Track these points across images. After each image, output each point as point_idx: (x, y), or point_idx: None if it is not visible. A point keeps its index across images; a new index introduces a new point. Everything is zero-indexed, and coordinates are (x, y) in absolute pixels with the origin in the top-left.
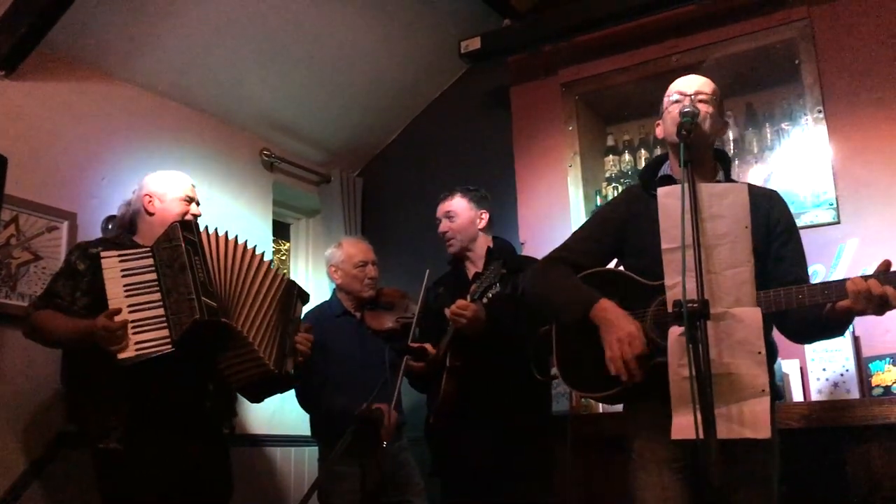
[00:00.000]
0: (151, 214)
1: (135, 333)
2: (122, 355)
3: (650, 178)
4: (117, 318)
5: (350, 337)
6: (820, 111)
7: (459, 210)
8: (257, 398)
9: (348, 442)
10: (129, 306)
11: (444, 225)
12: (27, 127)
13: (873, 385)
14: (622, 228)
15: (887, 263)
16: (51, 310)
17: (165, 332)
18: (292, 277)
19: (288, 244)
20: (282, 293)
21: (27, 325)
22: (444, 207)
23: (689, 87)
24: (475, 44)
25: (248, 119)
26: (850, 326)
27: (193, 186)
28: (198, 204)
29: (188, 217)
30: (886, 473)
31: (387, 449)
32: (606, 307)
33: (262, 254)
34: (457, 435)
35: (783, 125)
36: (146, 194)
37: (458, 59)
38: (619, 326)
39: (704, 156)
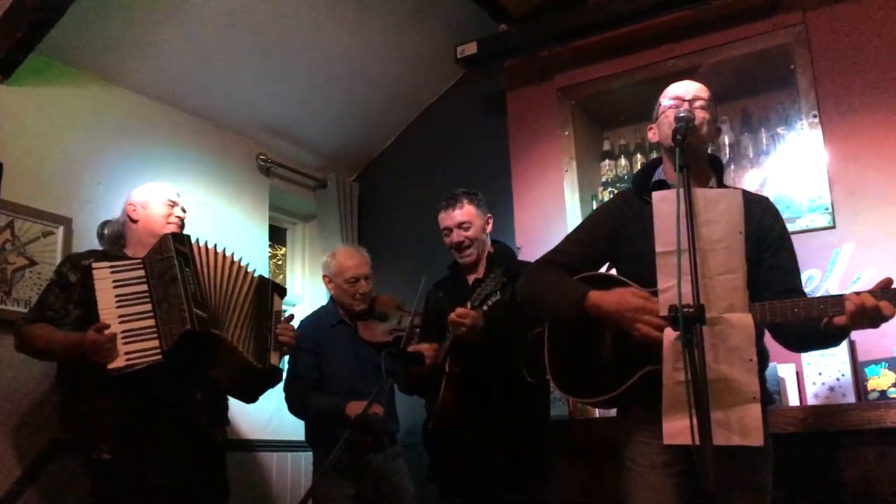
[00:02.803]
0: (136, 222)
1: (125, 343)
2: (111, 365)
3: (644, 183)
4: (106, 332)
5: (345, 346)
6: (815, 116)
7: (472, 218)
8: (251, 398)
9: (343, 449)
10: (120, 317)
11: (457, 235)
12: (23, 132)
13: (869, 389)
14: (615, 232)
15: (888, 281)
16: (43, 323)
17: (155, 343)
18: (288, 283)
19: (284, 249)
20: (258, 293)
21: (18, 338)
22: (455, 217)
23: (687, 92)
24: (471, 49)
25: (245, 124)
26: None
27: (178, 194)
28: (184, 210)
29: (172, 220)
30: (882, 478)
31: (379, 455)
32: (596, 300)
33: (248, 265)
34: (455, 440)
35: (778, 130)
36: (129, 204)
37: (455, 64)
38: (623, 307)
39: (699, 161)
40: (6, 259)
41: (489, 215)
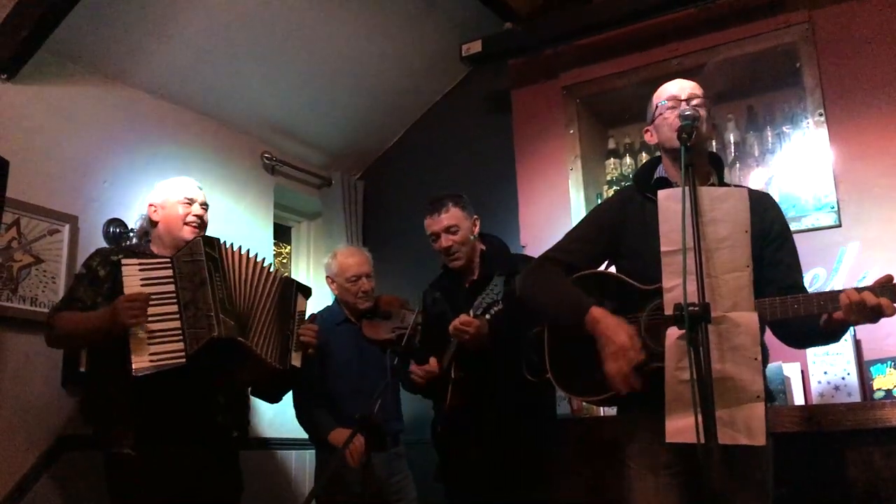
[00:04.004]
0: (156, 224)
1: (150, 344)
2: (136, 366)
3: (645, 181)
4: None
5: (349, 345)
6: (821, 114)
7: (459, 221)
8: (275, 398)
9: (346, 448)
10: (147, 316)
11: (445, 240)
12: (29, 130)
13: (875, 388)
14: (617, 230)
15: (888, 278)
16: (71, 311)
17: (181, 346)
18: None
19: (289, 247)
20: (282, 294)
21: (48, 328)
22: (441, 222)
23: (682, 90)
24: (476, 47)
25: (249, 122)
26: (852, 330)
27: (200, 189)
28: (204, 206)
29: (190, 220)
30: (887, 477)
31: (381, 455)
32: (597, 317)
33: (270, 265)
34: (463, 444)
35: (784, 128)
36: (150, 205)
37: (460, 63)
38: (612, 340)
39: (700, 159)
40: (12, 257)
41: (476, 216)
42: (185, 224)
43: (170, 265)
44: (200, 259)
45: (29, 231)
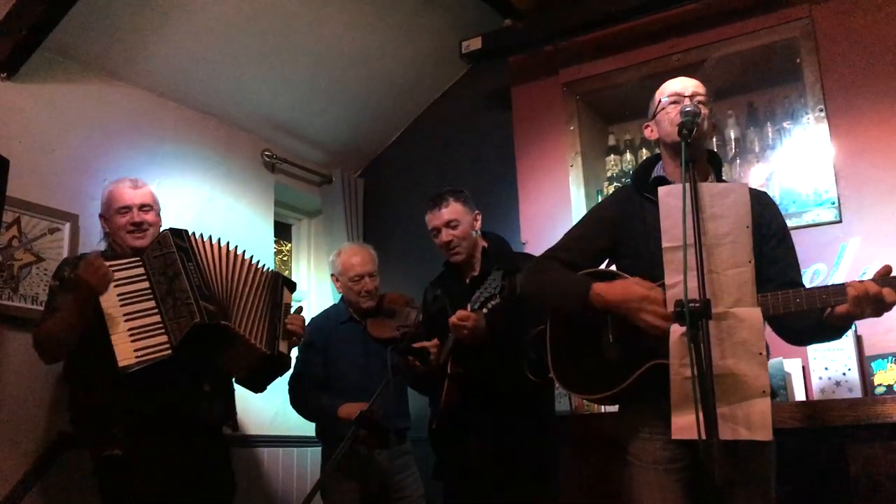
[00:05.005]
0: (108, 233)
1: (134, 341)
2: (122, 363)
3: (643, 180)
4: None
5: (353, 343)
6: (821, 110)
7: (460, 216)
8: (260, 387)
9: (349, 444)
10: (125, 314)
11: (446, 234)
12: (29, 129)
13: (875, 384)
14: (616, 229)
15: (887, 268)
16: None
17: (164, 338)
18: (294, 278)
19: (289, 245)
20: (268, 285)
21: (37, 345)
22: (442, 216)
23: (686, 88)
24: (476, 44)
25: (250, 120)
26: (853, 326)
27: (139, 188)
28: (144, 208)
29: (130, 229)
30: (888, 473)
31: (385, 452)
32: (601, 290)
33: (251, 257)
34: (460, 440)
35: (784, 124)
36: (99, 215)
37: (460, 60)
38: (629, 298)
39: (700, 157)
40: (13, 255)
41: (477, 212)
42: (128, 234)
43: (140, 263)
44: (171, 251)
45: (29, 230)
